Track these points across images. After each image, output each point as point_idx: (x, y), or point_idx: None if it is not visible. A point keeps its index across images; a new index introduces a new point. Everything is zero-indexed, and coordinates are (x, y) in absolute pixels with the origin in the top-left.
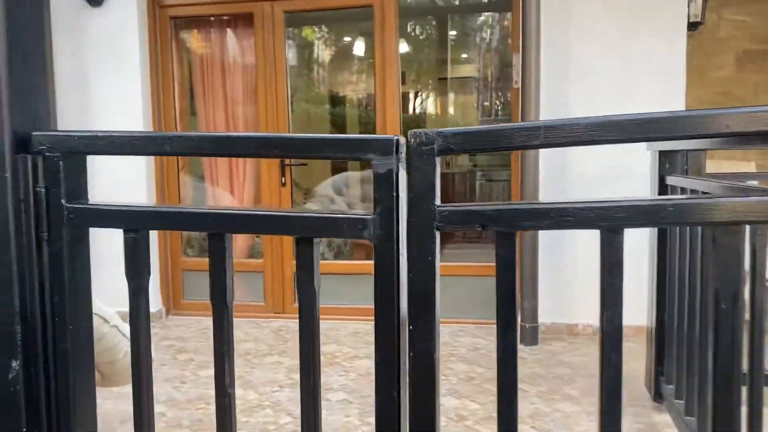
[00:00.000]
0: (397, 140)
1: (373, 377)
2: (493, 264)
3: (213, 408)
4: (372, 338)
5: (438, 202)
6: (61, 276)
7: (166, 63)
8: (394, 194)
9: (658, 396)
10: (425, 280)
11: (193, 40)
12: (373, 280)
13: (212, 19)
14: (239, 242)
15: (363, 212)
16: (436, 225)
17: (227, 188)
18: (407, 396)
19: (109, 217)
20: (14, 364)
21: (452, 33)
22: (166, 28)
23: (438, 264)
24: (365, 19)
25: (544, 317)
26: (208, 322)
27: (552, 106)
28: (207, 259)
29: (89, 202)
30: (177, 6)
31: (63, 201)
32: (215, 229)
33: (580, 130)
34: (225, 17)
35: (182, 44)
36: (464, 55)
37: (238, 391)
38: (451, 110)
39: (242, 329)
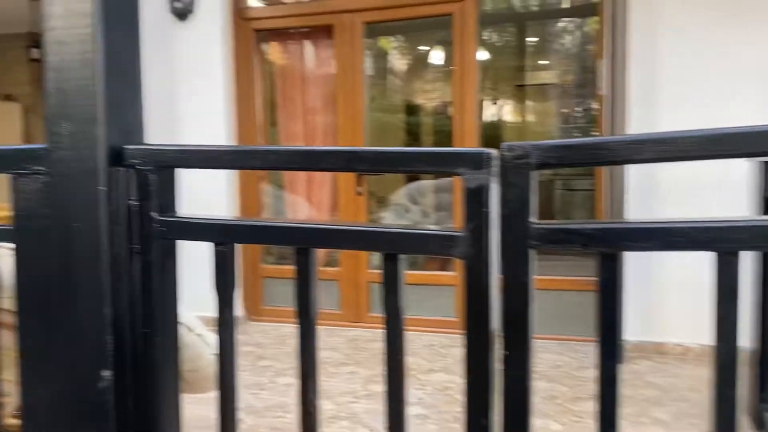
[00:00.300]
0: (489, 154)
1: (449, 392)
2: (576, 278)
3: (290, 417)
4: (447, 351)
5: (533, 219)
6: (150, 287)
7: (249, 74)
8: (486, 210)
9: (759, 425)
10: (520, 302)
11: (275, 51)
12: (464, 301)
13: (293, 31)
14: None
15: (453, 229)
16: (532, 244)
17: (305, 197)
18: (497, 423)
19: (198, 230)
20: (106, 374)
21: (531, 39)
22: (249, 41)
23: (533, 285)
24: (442, 27)
25: (629, 335)
26: (287, 328)
27: (640, 113)
28: (286, 267)
29: (178, 215)
30: (260, 19)
31: (154, 214)
32: (302, 244)
33: (692, 143)
34: (305, 29)
35: (264, 56)
36: (543, 62)
37: None
38: (529, 117)
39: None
